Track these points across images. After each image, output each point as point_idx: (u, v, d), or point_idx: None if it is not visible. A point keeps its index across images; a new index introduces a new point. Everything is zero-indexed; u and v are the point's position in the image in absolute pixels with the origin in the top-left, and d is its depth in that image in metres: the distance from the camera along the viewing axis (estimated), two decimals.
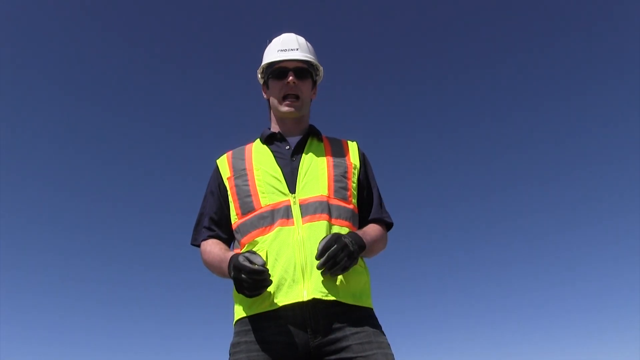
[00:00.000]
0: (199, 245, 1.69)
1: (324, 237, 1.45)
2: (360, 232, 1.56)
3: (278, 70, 1.71)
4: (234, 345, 1.48)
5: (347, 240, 1.43)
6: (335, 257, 1.39)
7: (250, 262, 1.38)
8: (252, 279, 1.36)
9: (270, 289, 1.45)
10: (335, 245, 1.40)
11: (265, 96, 1.82)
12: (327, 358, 1.41)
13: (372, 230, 1.64)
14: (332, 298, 1.43)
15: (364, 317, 1.48)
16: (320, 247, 1.41)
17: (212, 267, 1.61)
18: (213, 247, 1.62)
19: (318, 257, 1.41)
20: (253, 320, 1.46)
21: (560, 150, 9.98)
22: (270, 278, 1.44)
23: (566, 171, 9.94)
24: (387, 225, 1.74)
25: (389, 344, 1.47)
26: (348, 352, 1.40)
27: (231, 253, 1.53)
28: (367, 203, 1.72)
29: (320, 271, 1.43)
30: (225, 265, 1.50)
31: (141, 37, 10.02)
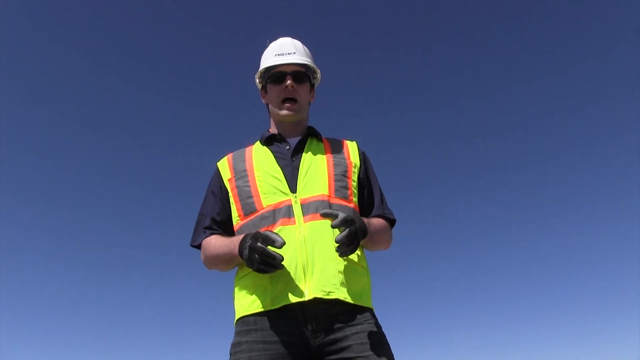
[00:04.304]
0: (198, 246, 1.68)
1: (342, 213, 1.42)
2: (365, 220, 1.56)
3: (276, 74, 1.72)
4: (234, 344, 1.47)
5: (358, 227, 1.42)
6: (352, 241, 1.39)
7: (270, 240, 1.36)
8: (263, 255, 1.35)
9: (272, 288, 1.46)
10: (354, 227, 1.40)
11: (264, 101, 1.83)
12: (328, 358, 1.41)
13: (376, 220, 1.65)
14: (334, 297, 1.43)
15: (365, 317, 1.48)
16: (346, 232, 1.38)
17: (220, 255, 1.57)
18: (218, 239, 1.61)
19: (338, 226, 1.38)
20: (254, 320, 1.46)
21: (562, 148, 10.01)
22: (272, 277, 1.45)
23: (567, 170, 9.95)
24: (390, 222, 1.74)
25: (389, 344, 1.48)
26: (349, 352, 1.40)
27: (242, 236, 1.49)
28: (368, 201, 1.73)
29: (321, 271, 1.45)
30: (236, 244, 1.48)
31: (143, 38, 10.04)
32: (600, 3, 9.39)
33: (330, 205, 1.55)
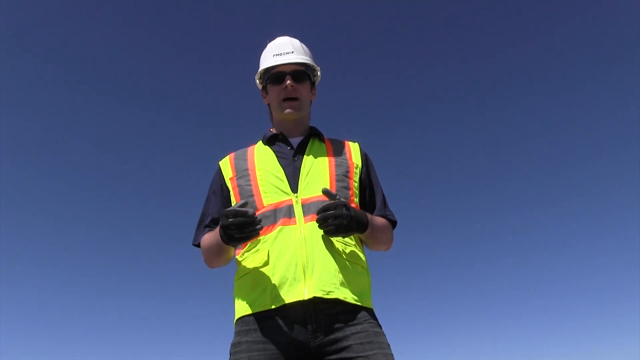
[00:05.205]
0: (199, 245, 1.69)
1: (333, 199, 1.46)
2: (368, 215, 1.57)
3: (275, 75, 1.72)
4: (234, 344, 1.47)
5: (344, 212, 1.43)
6: (325, 220, 1.42)
7: (240, 213, 1.40)
8: (238, 221, 1.38)
9: (272, 287, 1.46)
10: (333, 212, 1.42)
11: (265, 101, 1.84)
12: (328, 358, 1.41)
13: (378, 218, 1.66)
14: (333, 297, 1.43)
15: (365, 317, 1.48)
16: (321, 206, 1.44)
17: (210, 247, 1.61)
18: (210, 233, 1.63)
19: (316, 213, 1.45)
20: (254, 320, 1.46)
21: (562, 147, 10.02)
22: (272, 277, 1.46)
23: (566, 169, 9.96)
24: (391, 224, 1.74)
25: (389, 345, 1.47)
26: (349, 352, 1.40)
27: None
28: (370, 203, 1.73)
29: (320, 271, 1.45)
30: (218, 232, 1.50)
31: (145, 37, 10.07)
32: (602, 12, 9.40)
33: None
